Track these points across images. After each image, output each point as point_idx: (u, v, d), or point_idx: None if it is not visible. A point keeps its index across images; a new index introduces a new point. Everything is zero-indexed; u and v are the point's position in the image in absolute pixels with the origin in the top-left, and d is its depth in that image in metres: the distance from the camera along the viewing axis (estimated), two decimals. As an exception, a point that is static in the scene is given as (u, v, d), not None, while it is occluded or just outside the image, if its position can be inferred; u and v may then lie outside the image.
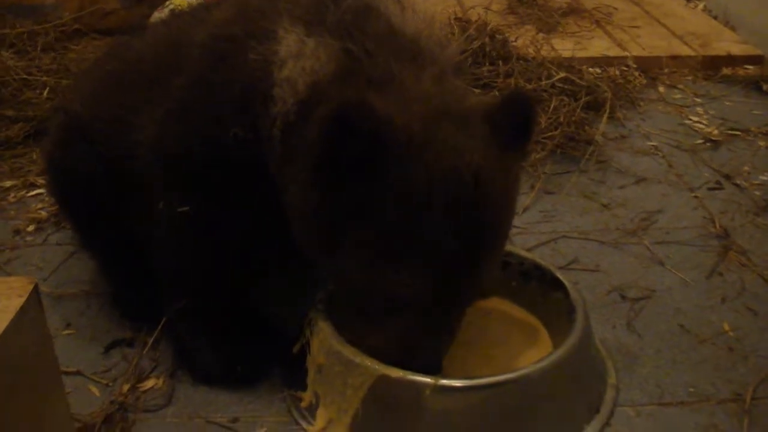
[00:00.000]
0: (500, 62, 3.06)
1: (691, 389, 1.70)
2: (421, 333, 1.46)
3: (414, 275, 1.37)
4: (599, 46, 3.62)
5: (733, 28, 3.88)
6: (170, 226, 1.65)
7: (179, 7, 3.29)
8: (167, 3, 3.38)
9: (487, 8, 3.94)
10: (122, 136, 1.69)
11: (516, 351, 1.72)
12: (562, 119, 2.76)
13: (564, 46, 3.53)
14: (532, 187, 2.50)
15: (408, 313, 1.43)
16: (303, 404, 1.62)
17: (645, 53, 3.54)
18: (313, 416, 1.59)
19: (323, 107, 1.38)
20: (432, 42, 1.56)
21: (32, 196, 2.52)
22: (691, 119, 3.01)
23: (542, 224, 2.33)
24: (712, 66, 3.49)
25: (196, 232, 1.64)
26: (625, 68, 3.40)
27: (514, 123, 1.43)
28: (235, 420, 1.64)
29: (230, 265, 1.69)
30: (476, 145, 1.38)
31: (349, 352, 1.51)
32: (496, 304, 1.81)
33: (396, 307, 1.43)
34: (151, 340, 1.80)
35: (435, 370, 1.49)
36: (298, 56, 1.48)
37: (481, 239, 1.39)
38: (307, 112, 1.44)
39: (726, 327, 1.89)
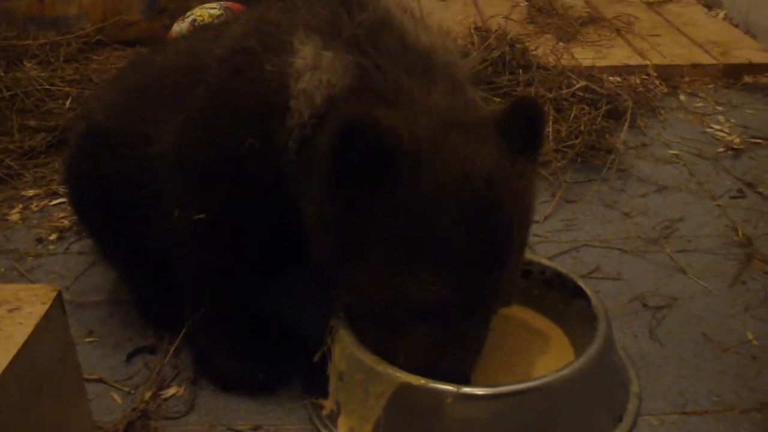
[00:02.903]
0: (520, 71, 3.05)
1: (715, 398, 1.69)
2: (447, 342, 1.45)
3: (434, 283, 1.37)
4: (619, 54, 3.61)
5: (754, 37, 3.86)
6: (186, 234, 1.66)
7: (200, 18, 3.32)
8: (188, 14, 3.41)
9: (507, 17, 3.95)
10: (142, 147, 1.71)
11: (537, 359, 1.71)
12: (582, 128, 2.75)
13: (584, 55, 3.53)
14: (553, 195, 2.49)
15: (432, 322, 1.43)
16: (324, 412, 1.62)
17: (666, 62, 3.52)
18: (335, 424, 1.58)
19: (331, 123, 1.40)
20: (445, 55, 1.57)
21: (54, 205, 2.54)
22: (712, 127, 2.99)
23: (563, 233, 2.32)
24: (733, 74, 3.47)
25: (210, 240, 1.66)
26: (645, 77, 3.39)
27: (522, 128, 1.45)
28: (256, 428, 1.64)
29: (246, 273, 1.70)
30: (486, 152, 1.39)
31: (371, 360, 1.51)
32: (518, 312, 1.80)
33: (419, 317, 1.43)
34: (172, 348, 1.81)
35: (464, 380, 1.48)
36: (315, 69, 1.49)
37: (498, 242, 1.39)
38: (323, 125, 1.46)
39: (749, 335, 1.87)
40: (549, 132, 2.68)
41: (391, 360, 1.50)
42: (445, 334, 1.45)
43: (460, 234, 1.36)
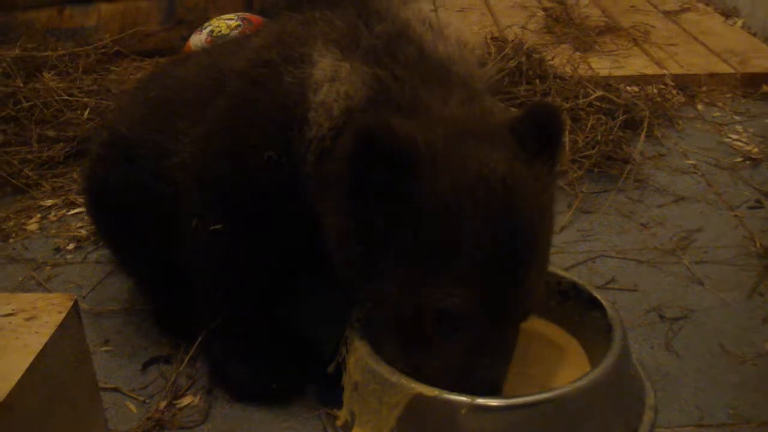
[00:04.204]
0: (537, 81, 3.05)
1: (732, 411, 1.67)
2: (477, 351, 1.44)
3: (458, 285, 1.37)
4: (637, 64, 3.60)
5: (772, 46, 3.84)
6: (204, 244, 1.67)
7: (217, 29, 3.33)
8: (206, 25, 3.42)
9: (523, 27, 3.96)
10: (163, 158, 1.72)
11: (553, 370, 1.71)
12: (599, 138, 2.74)
13: (601, 65, 3.52)
14: (570, 206, 2.49)
15: (460, 331, 1.42)
16: (338, 422, 1.62)
17: (683, 71, 3.51)
18: (349, 434, 1.59)
19: (346, 135, 1.41)
20: (463, 65, 1.58)
21: (72, 214, 2.56)
22: (730, 137, 2.98)
23: (580, 243, 2.31)
24: (751, 83, 3.45)
25: (228, 250, 1.66)
26: (663, 86, 3.38)
27: (537, 132, 1.44)
28: (270, 438, 1.64)
29: (262, 284, 1.71)
30: (501, 156, 1.39)
31: (385, 371, 1.51)
32: (533, 323, 1.79)
33: (446, 325, 1.41)
34: (188, 358, 1.82)
35: (495, 391, 1.47)
36: (333, 80, 1.50)
37: (518, 242, 1.38)
38: (341, 137, 1.46)
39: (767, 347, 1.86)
40: (566, 142, 2.67)
41: (419, 372, 1.49)
42: (473, 343, 1.43)
43: (480, 235, 1.35)
